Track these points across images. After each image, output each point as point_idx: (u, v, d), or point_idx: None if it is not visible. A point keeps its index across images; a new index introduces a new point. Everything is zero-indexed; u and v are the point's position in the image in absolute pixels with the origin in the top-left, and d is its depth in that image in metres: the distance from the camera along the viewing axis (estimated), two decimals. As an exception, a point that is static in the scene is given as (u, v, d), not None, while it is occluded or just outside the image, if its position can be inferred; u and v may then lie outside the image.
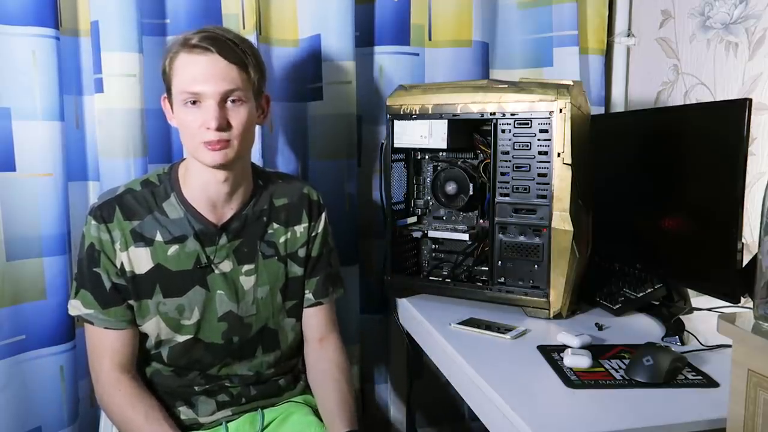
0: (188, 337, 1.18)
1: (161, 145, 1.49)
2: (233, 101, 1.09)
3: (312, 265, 1.28)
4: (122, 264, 1.13)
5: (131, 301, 1.15)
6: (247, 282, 1.20)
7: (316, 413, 1.26)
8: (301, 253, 1.26)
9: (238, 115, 1.09)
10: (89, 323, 1.15)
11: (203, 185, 1.15)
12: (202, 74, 1.07)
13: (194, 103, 1.08)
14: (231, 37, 1.11)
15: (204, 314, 1.18)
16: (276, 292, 1.24)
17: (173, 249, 1.15)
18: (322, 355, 1.28)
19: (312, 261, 1.28)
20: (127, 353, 1.16)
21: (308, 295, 1.29)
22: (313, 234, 1.28)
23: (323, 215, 1.30)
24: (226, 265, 1.18)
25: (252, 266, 1.20)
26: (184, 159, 1.21)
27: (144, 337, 1.18)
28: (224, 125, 1.07)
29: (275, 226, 1.23)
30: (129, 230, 1.13)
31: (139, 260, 1.14)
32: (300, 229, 1.25)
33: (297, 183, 1.30)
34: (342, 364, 1.27)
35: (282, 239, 1.24)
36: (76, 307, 1.15)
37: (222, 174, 1.13)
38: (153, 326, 1.16)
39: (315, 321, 1.29)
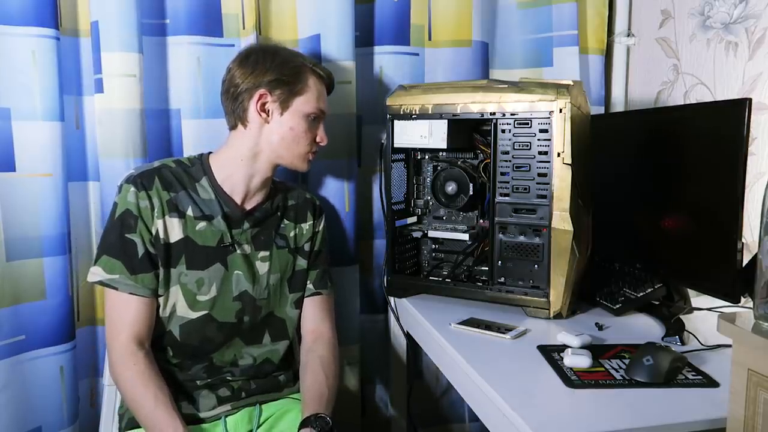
0: (202, 313, 1.23)
1: (161, 145, 1.49)
2: None
3: (313, 258, 1.39)
4: (157, 231, 1.19)
5: (159, 271, 1.19)
6: (262, 267, 1.29)
7: None
8: (307, 247, 1.37)
9: None
10: (113, 288, 1.17)
11: (250, 175, 1.27)
12: (325, 99, 1.32)
13: (315, 119, 1.28)
14: None
15: (220, 291, 1.24)
16: (284, 282, 1.33)
17: (201, 224, 1.23)
18: (310, 348, 1.33)
19: (314, 254, 1.39)
20: (145, 326, 1.19)
21: (309, 285, 1.37)
22: (317, 230, 1.40)
23: (323, 216, 1.42)
24: (247, 249, 1.28)
25: (267, 253, 1.30)
26: (211, 152, 1.30)
27: (158, 318, 1.21)
28: None
29: (286, 221, 1.35)
30: (166, 200, 1.21)
31: (173, 229, 1.21)
32: (306, 226, 1.37)
33: (301, 190, 1.43)
34: (325, 358, 1.30)
35: (292, 233, 1.35)
36: (96, 274, 1.17)
37: (271, 171, 1.29)
38: (173, 295, 1.21)
39: (311, 311, 1.37)
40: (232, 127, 1.28)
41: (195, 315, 1.22)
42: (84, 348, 1.49)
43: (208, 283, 1.23)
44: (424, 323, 1.29)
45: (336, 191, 1.58)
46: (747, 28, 1.38)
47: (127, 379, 1.15)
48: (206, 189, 1.25)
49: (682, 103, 1.57)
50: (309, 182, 1.59)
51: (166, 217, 1.20)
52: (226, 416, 1.24)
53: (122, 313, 1.17)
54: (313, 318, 1.36)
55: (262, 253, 1.29)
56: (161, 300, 1.21)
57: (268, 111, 1.25)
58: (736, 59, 1.41)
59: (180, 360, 1.24)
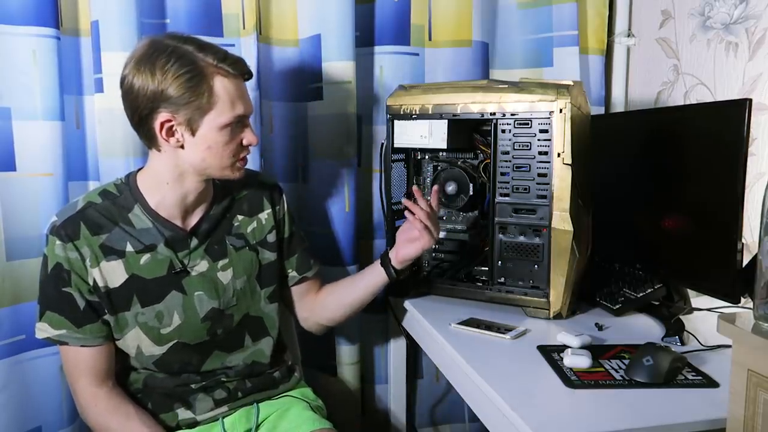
0: (171, 343, 1.18)
1: (161, 145, 1.49)
2: None
3: (287, 245, 1.34)
4: (95, 280, 1.12)
5: (107, 317, 1.14)
6: (224, 277, 1.23)
7: (314, 408, 1.28)
8: (271, 238, 1.30)
9: None
10: (63, 344, 1.14)
11: (182, 195, 1.16)
12: (243, 97, 1.13)
13: (237, 124, 1.12)
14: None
15: (185, 318, 1.18)
16: (252, 280, 1.27)
17: (145, 257, 1.15)
18: (317, 294, 1.39)
19: (286, 242, 1.34)
20: (104, 368, 1.16)
21: (292, 273, 1.35)
22: (279, 217, 1.32)
23: (283, 197, 1.34)
24: (203, 266, 1.20)
25: (226, 260, 1.23)
26: (141, 169, 1.20)
27: (124, 354, 1.18)
28: None
29: (240, 218, 1.27)
30: (98, 245, 1.12)
31: (113, 273, 1.13)
32: (264, 215, 1.29)
33: (251, 173, 1.30)
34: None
35: (249, 228, 1.27)
36: (43, 330, 1.13)
37: (204, 183, 1.17)
38: (133, 338, 1.16)
39: (306, 289, 1.38)
40: (148, 148, 1.15)
41: (164, 348, 1.18)
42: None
43: (168, 313, 1.17)
44: (424, 323, 1.29)
45: (336, 191, 1.58)
46: (747, 28, 1.38)
47: (92, 419, 1.15)
48: (141, 217, 1.15)
49: (683, 103, 1.57)
50: (309, 182, 1.60)
51: (102, 263, 1.11)
52: (224, 417, 1.23)
53: (77, 363, 1.14)
54: (312, 291, 1.38)
55: (221, 263, 1.22)
56: (121, 345, 1.17)
57: (178, 135, 1.09)
58: (737, 60, 1.41)
59: (169, 372, 1.21)
